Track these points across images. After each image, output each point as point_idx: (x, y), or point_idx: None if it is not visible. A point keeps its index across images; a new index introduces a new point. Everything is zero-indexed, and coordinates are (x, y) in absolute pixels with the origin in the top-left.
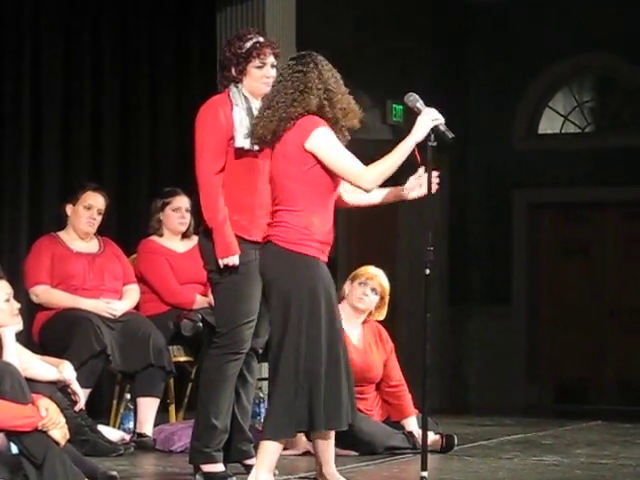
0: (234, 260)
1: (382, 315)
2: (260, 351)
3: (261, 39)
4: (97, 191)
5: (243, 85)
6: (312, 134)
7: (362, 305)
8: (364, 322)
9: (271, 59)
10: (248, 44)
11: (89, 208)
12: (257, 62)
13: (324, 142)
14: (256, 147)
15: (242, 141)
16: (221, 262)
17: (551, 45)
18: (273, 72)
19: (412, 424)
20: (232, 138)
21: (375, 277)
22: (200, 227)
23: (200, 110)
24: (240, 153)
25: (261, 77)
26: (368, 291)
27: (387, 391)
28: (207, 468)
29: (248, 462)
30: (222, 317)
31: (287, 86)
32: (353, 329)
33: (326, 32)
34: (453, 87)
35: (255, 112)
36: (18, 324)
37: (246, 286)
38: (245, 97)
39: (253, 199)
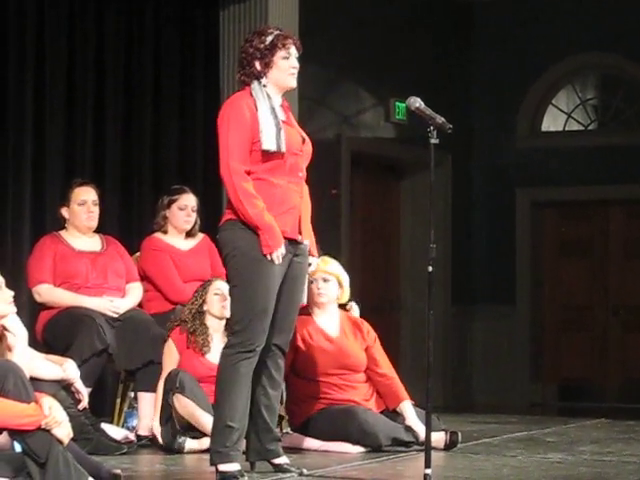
0: (283, 250)
1: (344, 298)
2: (286, 348)
3: (281, 32)
4: (85, 185)
5: (268, 80)
6: None
7: (324, 299)
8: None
9: (294, 50)
10: (270, 37)
11: (83, 203)
12: (283, 53)
13: None
14: (283, 149)
15: (269, 143)
16: (272, 256)
17: (554, 43)
18: (298, 63)
19: (408, 409)
20: (259, 140)
21: (317, 268)
22: (225, 220)
23: (223, 107)
24: (266, 153)
25: (288, 68)
26: (320, 284)
27: (377, 380)
28: (223, 467)
29: (277, 461)
30: (236, 314)
31: None
32: (327, 319)
33: (329, 30)
34: (456, 85)
35: (278, 110)
36: (13, 311)
37: (263, 281)
38: (267, 95)
39: (278, 195)
